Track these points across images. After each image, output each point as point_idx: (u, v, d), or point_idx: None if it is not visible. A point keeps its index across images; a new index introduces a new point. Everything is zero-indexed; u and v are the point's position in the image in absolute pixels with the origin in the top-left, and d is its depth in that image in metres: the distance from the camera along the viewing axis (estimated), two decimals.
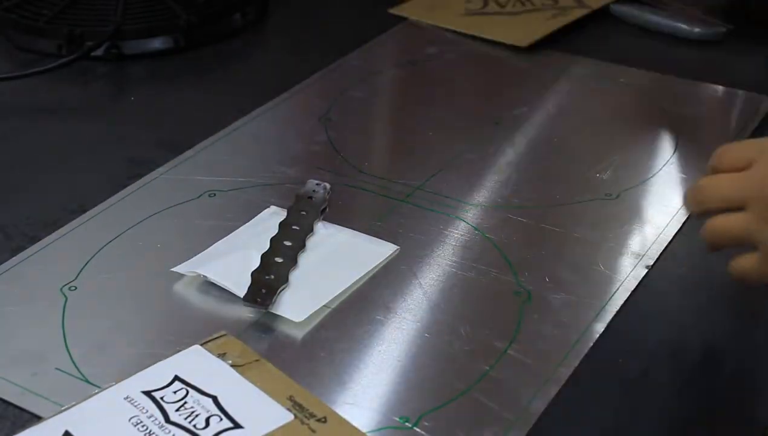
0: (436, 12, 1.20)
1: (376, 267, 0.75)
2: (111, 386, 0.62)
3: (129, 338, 0.69)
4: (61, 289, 0.73)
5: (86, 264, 0.75)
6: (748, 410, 0.70)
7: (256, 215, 0.81)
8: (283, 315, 0.70)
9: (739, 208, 0.65)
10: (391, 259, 0.76)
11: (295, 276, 0.73)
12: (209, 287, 0.72)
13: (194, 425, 0.59)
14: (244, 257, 0.74)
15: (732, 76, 1.05)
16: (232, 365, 0.63)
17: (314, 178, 0.85)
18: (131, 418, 0.59)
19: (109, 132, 0.96)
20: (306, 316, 0.70)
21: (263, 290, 0.70)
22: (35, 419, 0.62)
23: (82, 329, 0.69)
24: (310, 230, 0.78)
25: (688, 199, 0.69)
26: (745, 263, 0.65)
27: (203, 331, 0.69)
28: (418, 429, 0.62)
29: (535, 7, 1.21)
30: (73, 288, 0.73)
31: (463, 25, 1.17)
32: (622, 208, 0.84)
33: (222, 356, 0.64)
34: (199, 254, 0.75)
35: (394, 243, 0.78)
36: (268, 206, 0.82)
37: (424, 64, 1.10)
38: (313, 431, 0.59)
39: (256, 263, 0.73)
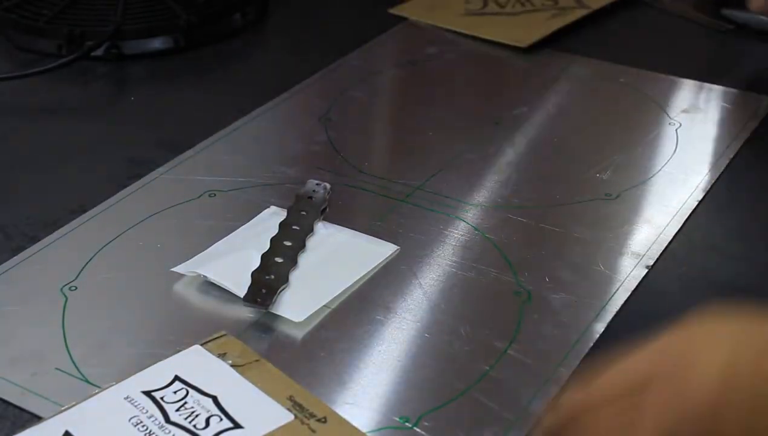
0: (436, 12, 1.20)
1: (376, 267, 0.75)
2: (111, 386, 0.62)
3: (129, 338, 0.69)
4: (61, 289, 0.73)
5: (86, 264, 0.75)
6: None
7: (256, 215, 0.81)
8: (283, 315, 0.70)
9: None
10: (391, 259, 0.76)
11: (295, 276, 0.73)
12: (209, 287, 0.72)
13: (194, 425, 0.59)
14: (244, 257, 0.74)
15: (732, 76, 1.05)
16: (232, 365, 0.63)
17: (314, 178, 0.85)
18: (131, 418, 0.59)
19: (109, 132, 0.96)
20: (306, 316, 0.70)
21: (263, 290, 0.70)
22: (35, 419, 0.62)
23: (82, 329, 0.69)
24: (310, 230, 0.78)
25: None
26: None
27: (203, 331, 0.69)
28: (418, 429, 0.62)
29: (535, 8, 1.21)
30: (73, 288, 0.73)
31: (463, 25, 1.17)
32: (622, 208, 0.84)
33: (222, 356, 0.64)
34: (199, 254, 0.75)
35: (394, 243, 0.78)
36: (268, 206, 0.82)
37: (424, 64, 1.10)
38: (313, 431, 0.59)
39: (256, 263, 0.73)
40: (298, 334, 0.69)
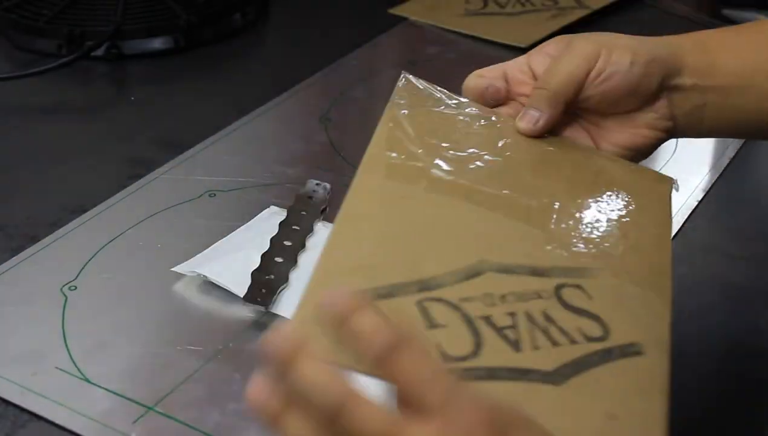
0: (436, 12, 1.20)
1: None
2: None
3: (129, 337, 0.69)
4: (61, 289, 0.73)
5: (86, 264, 0.75)
6: (748, 411, 0.70)
7: (256, 215, 0.81)
8: (283, 315, 0.70)
9: None
10: None
11: (295, 276, 0.73)
12: (209, 286, 0.72)
13: None
14: (244, 257, 0.74)
15: None
16: None
17: (314, 178, 0.85)
18: None
19: (109, 132, 0.96)
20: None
21: (263, 290, 0.70)
22: (35, 418, 0.62)
23: (82, 328, 0.69)
24: (310, 230, 0.78)
25: None
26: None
27: (203, 331, 0.69)
28: None
29: (535, 8, 1.21)
30: (73, 288, 0.73)
31: (463, 25, 1.17)
32: None
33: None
34: (199, 254, 0.75)
35: None
36: (268, 206, 0.82)
37: (424, 64, 1.10)
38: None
39: (256, 262, 0.73)
40: None
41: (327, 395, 0.42)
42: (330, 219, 0.80)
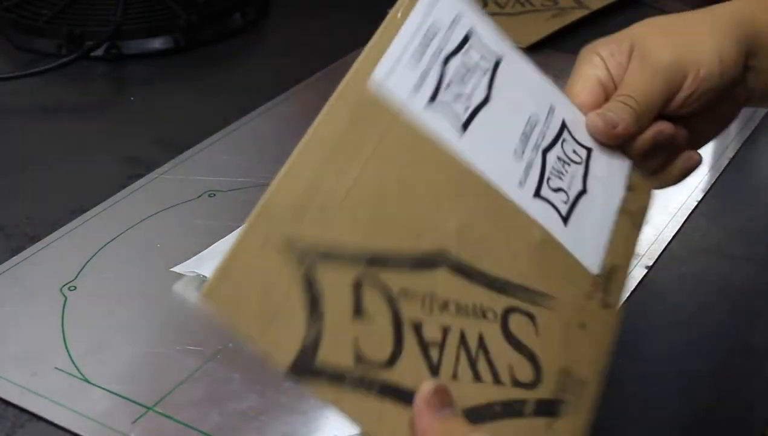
0: None
1: None
2: None
3: (129, 338, 0.69)
4: (61, 289, 0.73)
5: (86, 264, 0.75)
6: (748, 411, 0.70)
7: None
8: None
9: None
10: None
11: None
12: None
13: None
14: None
15: None
16: (621, 205, 0.57)
17: None
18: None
19: (109, 132, 0.96)
20: None
21: None
22: (35, 418, 0.62)
23: (82, 328, 0.69)
24: None
25: None
26: None
27: (203, 331, 0.69)
28: None
29: (534, 8, 1.21)
30: (73, 288, 0.73)
31: None
32: None
33: (628, 189, 0.58)
34: (199, 254, 0.75)
35: None
36: None
37: None
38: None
39: None
40: None
41: None
42: None
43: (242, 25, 1.16)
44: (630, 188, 0.59)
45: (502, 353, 0.47)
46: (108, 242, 0.78)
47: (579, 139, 0.58)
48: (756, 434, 0.70)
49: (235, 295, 0.42)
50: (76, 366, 0.66)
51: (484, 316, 0.47)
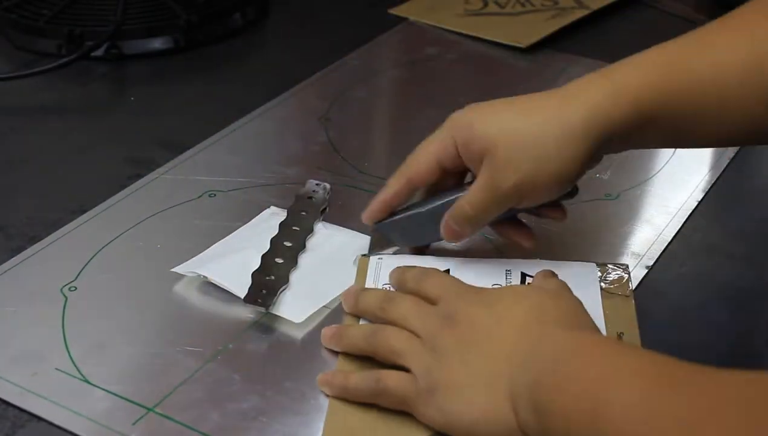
0: (436, 12, 1.20)
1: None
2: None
3: (129, 338, 0.69)
4: (61, 289, 0.73)
5: (86, 264, 0.75)
6: None
7: (256, 215, 0.81)
8: (283, 316, 0.70)
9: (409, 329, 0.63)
10: None
11: (295, 277, 0.73)
12: (209, 287, 0.72)
13: None
14: (245, 258, 0.74)
15: None
16: (602, 288, 0.70)
17: (314, 178, 0.85)
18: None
19: (109, 132, 0.96)
20: (306, 316, 0.70)
21: (263, 291, 0.70)
22: (35, 419, 0.62)
23: (82, 329, 0.69)
24: (310, 231, 0.78)
25: (371, 301, 0.68)
26: (397, 377, 0.62)
27: (203, 332, 0.69)
28: None
29: (535, 8, 1.21)
30: (73, 288, 0.73)
31: (463, 25, 1.17)
32: (622, 208, 0.84)
33: (604, 280, 0.71)
34: (200, 255, 0.75)
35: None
36: (268, 206, 0.82)
37: (424, 64, 1.10)
38: None
39: (256, 263, 0.73)
40: (298, 334, 0.69)
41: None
42: (330, 219, 0.80)
43: (242, 25, 1.16)
44: (605, 279, 0.72)
45: None
46: (108, 242, 0.78)
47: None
48: None
49: None
50: (76, 366, 0.66)
51: None
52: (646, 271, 0.76)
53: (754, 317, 0.75)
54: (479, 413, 0.58)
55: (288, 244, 0.76)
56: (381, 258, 0.74)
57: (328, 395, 0.63)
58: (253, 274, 0.72)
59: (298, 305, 0.70)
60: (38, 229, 0.80)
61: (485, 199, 0.68)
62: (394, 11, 1.21)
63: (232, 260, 0.74)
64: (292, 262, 0.74)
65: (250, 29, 1.17)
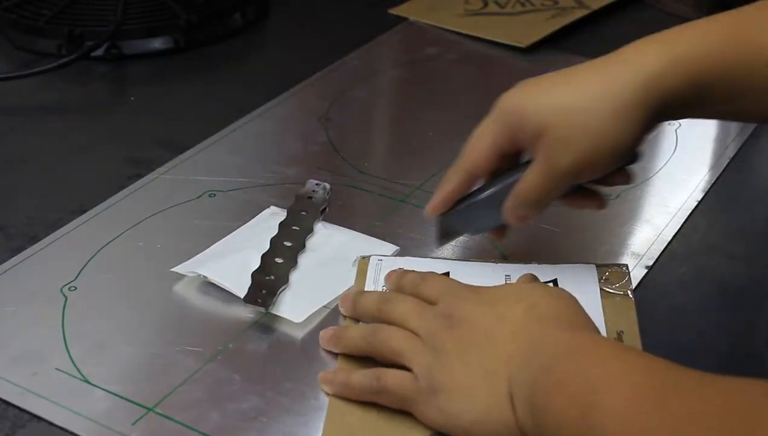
0: (436, 12, 1.20)
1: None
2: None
3: (129, 338, 0.69)
4: (61, 289, 0.73)
5: (86, 264, 0.75)
6: None
7: (256, 215, 0.81)
8: (283, 316, 0.70)
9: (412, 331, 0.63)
10: None
11: (295, 277, 0.73)
12: (209, 287, 0.72)
13: None
14: (244, 258, 0.74)
15: None
16: (602, 288, 0.71)
17: (314, 178, 0.85)
18: None
19: (109, 132, 0.96)
20: (306, 316, 0.70)
21: (263, 291, 0.70)
22: (35, 419, 0.62)
23: (82, 329, 0.69)
24: (310, 231, 0.78)
25: (369, 303, 0.68)
26: (397, 376, 0.62)
27: (203, 332, 0.69)
28: None
29: (535, 8, 1.21)
30: (73, 288, 0.73)
31: (463, 25, 1.17)
32: (622, 208, 0.84)
33: (603, 280, 0.72)
34: (199, 254, 0.75)
35: (394, 243, 0.78)
36: (268, 206, 0.82)
37: (424, 64, 1.10)
38: None
39: (256, 263, 0.73)
40: (298, 334, 0.69)
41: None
42: (330, 219, 0.80)
43: (242, 25, 1.16)
44: (604, 279, 0.72)
45: None
46: (108, 242, 0.78)
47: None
48: None
49: None
50: (76, 367, 0.66)
51: None
52: (646, 271, 0.76)
53: (754, 317, 0.75)
54: (479, 412, 0.58)
55: (288, 244, 0.76)
56: (381, 260, 0.74)
57: (328, 394, 0.63)
58: (253, 274, 0.72)
59: (298, 304, 0.70)
60: (38, 229, 0.80)
61: (545, 181, 0.66)
62: (394, 11, 1.21)
63: (232, 260, 0.74)
64: (292, 262, 0.74)
65: (250, 29, 1.17)
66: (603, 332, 0.66)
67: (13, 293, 0.73)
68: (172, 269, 0.73)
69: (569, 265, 0.73)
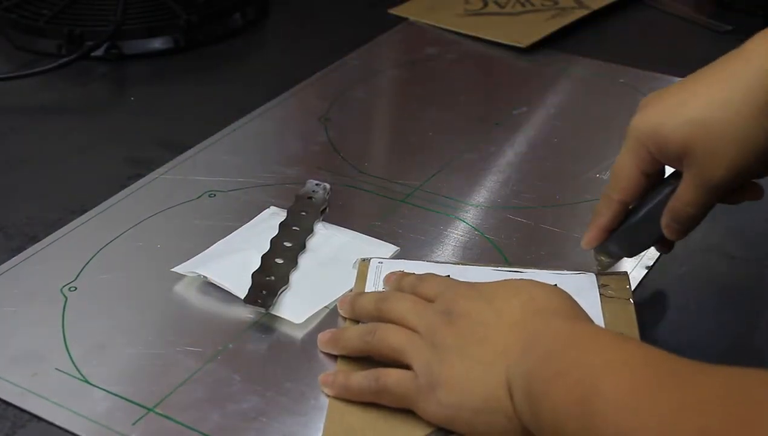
0: (436, 12, 1.20)
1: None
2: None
3: (129, 338, 0.69)
4: (61, 289, 0.73)
5: (86, 264, 0.75)
6: None
7: (256, 215, 0.81)
8: (283, 316, 0.70)
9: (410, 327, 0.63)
10: None
11: (295, 277, 0.73)
12: (209, 287, 0.72)
13: None
14: (244, 258, 0.74)
15: None
16: (601, 294, 0.71)
17: (314, 178, 0.85)
18: None
19: (110, 132, 0.96)
20: (306, 317, 0.70)
21: (264, 291, 0.70)
22: (35, 419, 0.62)
23: (82, 329, 0.69)
24: (310, 231, 0.78)
25: (367, 305, 0.68)
26: (397, 375, 0.62)
27: (203, 332, 0.69)
28: None
29: (535, 8, 1.21)
30: (73, 288, 0.73)
31: (463, 25, 1.17)
32: None
33: (603, 286, 0.72)
34: (199, 255, 0.75)
35: (394, 243, 0.78)
36: (268, 206, 0.82)
37: (424, 64, 1.10)
38: None
39: (256, 263, 0.73)
40: (298, 334, 0.69)
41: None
42: (330, 219, 0.80)
43: (242, 25, 1.16)
44: (604, 285, 0.72)
45: None
46: (108, 242, 0.78)
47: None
48: None
49: None
50: (76, 367, 0.66)
51: None
52: (646, 271, 0.76)
53: (754, 317, 0.75)
54: (479, 402, 0.58)
55: (288, 244, 0.76)
56: (381, 262, 0.74)
57: (328, 395, 0.63)
58: (253, 274, 0.72)
59: (298, 305, 0.70)
60: (38, 229, 0.80)
61: (700, 195, 0.66)
62: (394, 11, 1.21)
63: (232, 260, 0.74)
64: (292, 262, 0.74)
65: (250, 29, 1.17)
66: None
67: (13, 293, 0.73)
68: (172, 269, 0.73)
69: (569, 272, 0.73)
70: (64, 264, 0.75)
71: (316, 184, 0.83)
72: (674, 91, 0.67)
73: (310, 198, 0.82)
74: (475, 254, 0.77)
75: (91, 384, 0.64)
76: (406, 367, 0.62)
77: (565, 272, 0.73)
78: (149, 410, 0.62)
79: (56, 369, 0.66)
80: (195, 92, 1.04)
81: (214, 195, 0.84)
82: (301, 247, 0.76)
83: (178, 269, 0.73)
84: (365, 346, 0.64)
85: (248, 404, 0.63)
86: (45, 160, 0.90)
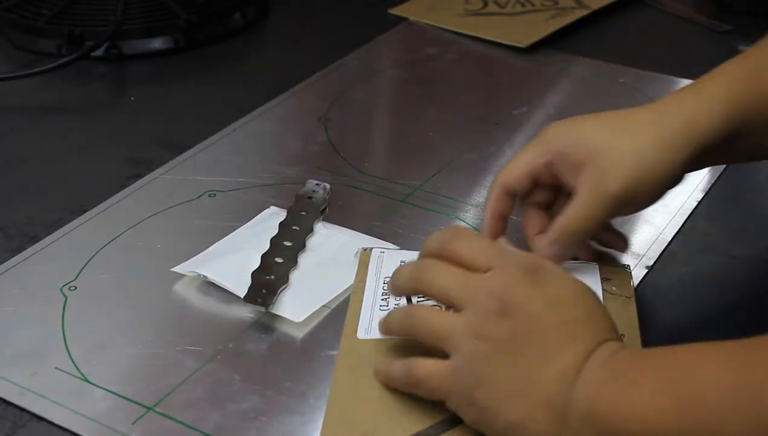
0: (436, 12, 1.20)
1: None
2: None
3: (129, 337, 0.69)
4: (61, 289, 0.73)
5: (86, 264, 0.75)
6: None
7: (256, 215, 0.81)
8: (283, 315, 0.70)
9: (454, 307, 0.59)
10: None
11: (295, 276, 0.73)
12: (209, 287, 0.72)
13: None
14: (244, 257, 0.74)
15: None
16: (604, 289, 0.70)
17: (314, 178, 0.85)
18: None
19: (109, 132, 0.96)
20: (306, 316, 0.70)
21: (263, 290, 0.70)
22: (35, 419, 0.62)
23: (82, 329, 0.69)
24: (310, 231, 0.78)
25: (403, 275, 0.63)
26: (429, 367, 0.59)
27: (203, 331, 0.69)
28: None
29: (535, 8, 1.21)
30: (73, 288, 0.73)
31: (463, 25, 1.17)
32: None
33: (605, 280, 0.71)
34: (199, 254, 0.75)
35: (394, 243, 0.78)
36: (268, 206, 0.82)
37: (424, 64, 1.10)
38: None
39: (256, 263, 0.73)
40: (298, 334, 0.69)
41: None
42: (330, 219, 0.80)
43: (242, 25, 1.17)
44: (606, 279, 0.71)
45: None
46: (108, 242, 0.78)
47: None
48: None
49: None
50: (76, 366, 0.66)
51: None
52: (646, 271, 0.76)
53: (754, 317, 0.75)
54: (517, 419, 0.55)
55: (288, 243, 0.76)
56: (383, 252, 0.74)
57: (329, 388, 0.63)
58: (253, 273, 0.72)
59: (298, 304, 0.70)
60: (38, 229, 0.80)
61: (593, 208, 0.66)
62: (394, 11, 1.21)
63: (232, 260, 0.74)
64: (292, 261, 0.74)
65: (250, 29, 1.17)
66: None
67: (13, 292, 0.73)
68: (172, 269, 0.73)
69: (572, 262, 0.73)
70: (64, 264, 0.75)
71: (316, 184, 0.83)
72: (593, 116, 0.70)
73: (310, 198, 0.82)
74: None
75: (91, 383, 0.64)
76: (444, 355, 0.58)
77: (568, 262, 0.72)
78: (149, 409, 0.63)
79: (56, 368, 0.66)
80: (195, 92, 1.04)
81: (214, 195, 0.84)
82: (301, 246, 0.76)
83: (178, 268, 0.73)
84: (404, 330, 0.61)
85: (248, 404, 0.63)
86: (45, 160, 0.90)
